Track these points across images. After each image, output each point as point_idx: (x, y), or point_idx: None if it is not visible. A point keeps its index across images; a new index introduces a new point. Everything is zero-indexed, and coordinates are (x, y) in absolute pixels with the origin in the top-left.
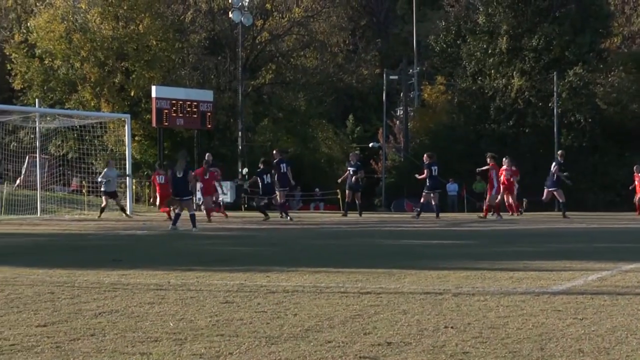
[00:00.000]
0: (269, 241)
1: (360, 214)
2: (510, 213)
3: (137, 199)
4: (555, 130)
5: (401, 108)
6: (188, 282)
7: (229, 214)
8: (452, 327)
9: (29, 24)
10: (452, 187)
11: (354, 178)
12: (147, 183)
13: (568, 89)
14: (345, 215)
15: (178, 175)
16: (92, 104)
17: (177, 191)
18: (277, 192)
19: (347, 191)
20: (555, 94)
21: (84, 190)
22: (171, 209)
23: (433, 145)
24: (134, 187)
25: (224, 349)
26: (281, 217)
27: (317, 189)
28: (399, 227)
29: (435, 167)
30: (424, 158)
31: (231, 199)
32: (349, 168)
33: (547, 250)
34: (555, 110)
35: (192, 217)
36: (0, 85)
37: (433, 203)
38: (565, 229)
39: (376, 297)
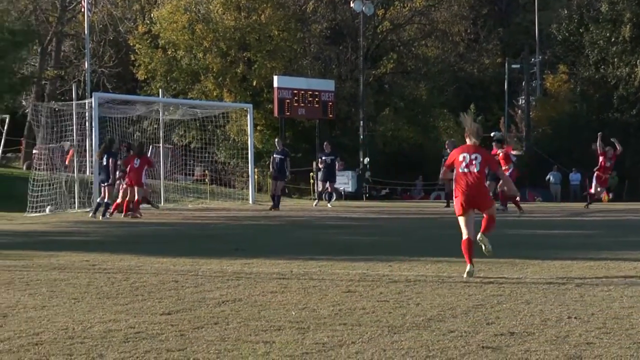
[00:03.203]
0: (390, 231)
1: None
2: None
3: (259, 189)
4: None
5: (523, 97)
6: (310, 271)
7: (351, 203)
8: (575, 318)
9: (152, 15)
10: (575, 177)
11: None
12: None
13: None
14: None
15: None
16: (215, 94)
17: None
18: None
19: (320, 182)
20: None
21: (206, 180)
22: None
23: (555, 134)
24: (256, 176)
25: (347, 337)
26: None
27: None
28: (521, 216)
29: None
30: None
31: (352, 188)
32: (323, 157)
33: None
34: None
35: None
36: (125, 76)
37: None
38: None
39: (499, 287)
